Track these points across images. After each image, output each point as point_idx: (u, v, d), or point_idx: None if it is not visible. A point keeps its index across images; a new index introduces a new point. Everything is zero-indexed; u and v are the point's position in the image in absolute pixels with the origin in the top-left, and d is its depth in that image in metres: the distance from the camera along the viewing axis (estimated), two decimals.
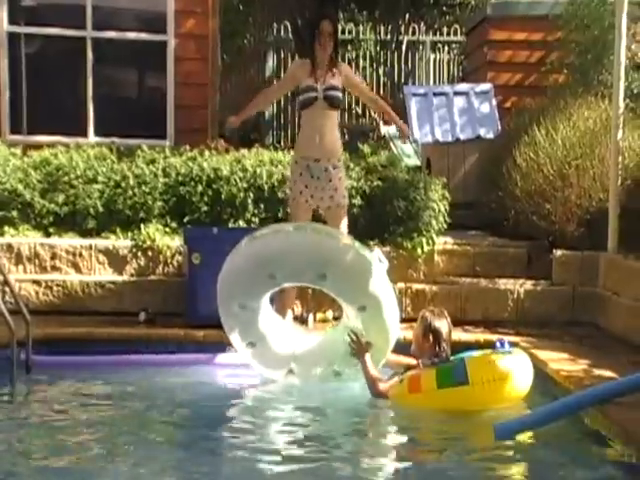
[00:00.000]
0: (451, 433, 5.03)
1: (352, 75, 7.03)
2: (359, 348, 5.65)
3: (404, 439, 5.10)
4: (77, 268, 7.30)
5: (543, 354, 6.12)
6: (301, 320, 6.97)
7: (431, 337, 5.43)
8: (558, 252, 7.48)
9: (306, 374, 5.86)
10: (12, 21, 9.30)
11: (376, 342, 5.67)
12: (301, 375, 5.86)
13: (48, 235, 7.45)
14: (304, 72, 6.62)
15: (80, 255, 7.31)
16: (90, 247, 7.34)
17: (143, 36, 9.57)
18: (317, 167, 6.56)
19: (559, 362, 5.94)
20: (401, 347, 5.81)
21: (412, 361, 5.56)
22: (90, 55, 9.41)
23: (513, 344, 5.57)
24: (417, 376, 5.33)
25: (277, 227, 6.00)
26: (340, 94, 6.67)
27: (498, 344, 5.26)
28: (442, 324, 5.46)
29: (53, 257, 7.30)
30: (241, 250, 5.75)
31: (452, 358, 5.39)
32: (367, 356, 5.61)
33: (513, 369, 5.16)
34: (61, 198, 7.54)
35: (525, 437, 4.72)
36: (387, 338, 5.72)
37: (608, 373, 5.63)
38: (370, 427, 5.31)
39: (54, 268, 7.29)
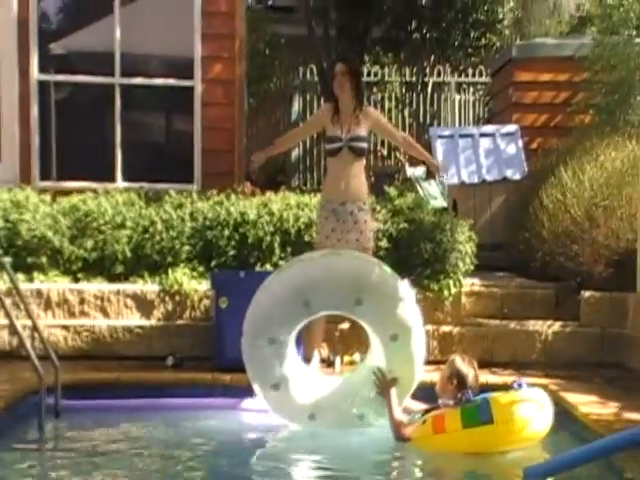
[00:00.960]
0: (478, 477, 4.97)
1: (381, 120, 6.96)
2: (384, 384, 5.63)
3: None
4: (105, 313, 7.35)
5: (572, 397, 6.05)
6: (328, 363, 6.95)
7: (455, 381, 5.42)
8: (586, 293, 7.43)
9: (327, 419, 5.77)
10: (42, 69, 9.46)
11: (403, 376, 5.64)
12: (322, 420, 5.76)
13: (77, 280, 7.52)
14: (328, 118, 6.66)
15: (108, 300, 7.36)
16: (118, 292, 7.39)
17: (170, 82, 9.68)
18: (343, 210, 6.59)
19: (589, 405, 5.87)
20: (426, 390, 5.80)
21: (426, 406, 5.56)
22: (118, 101, 9.53)
23: (531, 384, 5.53)
24: (441, 416, 5.30)
25: (311, 254, 6.10)
26: (365, 144, 6.69)
27: (515, 385, 5.27)
28: (469, 372, 5.45)
29: (81, 302, 7.34)
30: (274, 280, 5.78)
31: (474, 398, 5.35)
32: (393, 392, 5.59)
33: (536, 407, 5.17)
34: (90, 244, 7.61)
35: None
36: (414, 372, 5.69)
37: (639, 416, 5.56)
38: (395, 473, 5.25)
39: (82, 313, 7.34)
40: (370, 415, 5.77)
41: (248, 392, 6.18)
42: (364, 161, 6.78)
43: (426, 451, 5.27)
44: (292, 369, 5.84)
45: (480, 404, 5.20)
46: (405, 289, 5.70)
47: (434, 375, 5.97)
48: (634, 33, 9.47)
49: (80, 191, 8.27)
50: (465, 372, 5.44)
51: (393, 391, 5.62)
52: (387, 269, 5.77)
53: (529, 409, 5.15)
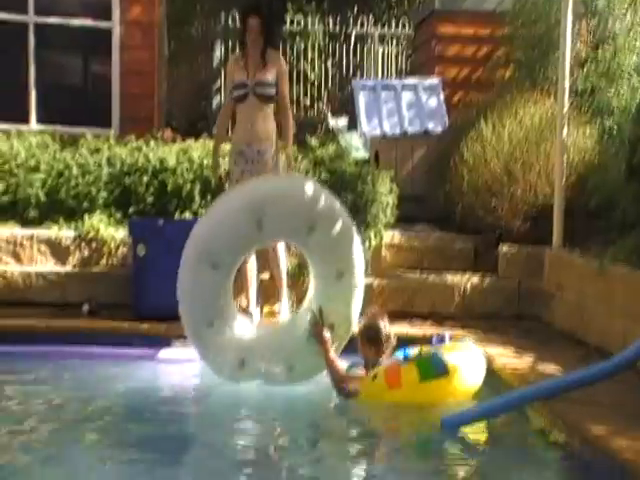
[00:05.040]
0: (403, 429, 5.03)
1: (283, 75, 6.72)
2: (320, 327, 5.43)
3: (353, 440, 4.93)
4: (18, 258, 7.14)
5: (489, 349, 6.12)
6: (247, 313, 6.88)
7: (374, 349, 5.31)
8: (504, 247, 7.52)
9: (257, 368, 5.54)
10: None
11: (340, 323, 5.53)
12: (251, 368, 5.54)
13: None
14: (237, 67, 6.66)
15: (21, 245, 7.14)
16: (32, 237, 7.17)
17: (88, 23, 9.40)
18: (250, 150, 6.58)
19: (505, 357, 5.97)
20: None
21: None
22: (32, 41, 9.21)
23: (452, 337, 5.56)
24: (396, 371, 5.18)
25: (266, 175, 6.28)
26: (271, 90, 6.61)
27: (434, 340, 5.30)
28: (376, 328, 5.32)
29: None
30: (227, 194, 5.71)
31: (418, 352, 5.27)
32: (328, 338, 5.40)
33: (479, 357, 5.27)
34: (1, 187, 7.37)
35: (471, 429, 4.77)
36: (351, 319, 5.59)
37: (553, 367, 5.67)
38: (323, 427, 5.19)
39: None
40: (299, 367, 5.53)
41: (165, 342, 6.14)
42: (272, 107, 6.70)
43: (367, 405, 5.21)
44: (229, 305, 5.56)
45: (433, 357, 5.18)
46: (352, 225, 5.62)
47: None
48: None
49: None
50: (373, 333, 5.31)
51: (329, 336, 5.43)
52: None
53: (473, 359, 5.23)
